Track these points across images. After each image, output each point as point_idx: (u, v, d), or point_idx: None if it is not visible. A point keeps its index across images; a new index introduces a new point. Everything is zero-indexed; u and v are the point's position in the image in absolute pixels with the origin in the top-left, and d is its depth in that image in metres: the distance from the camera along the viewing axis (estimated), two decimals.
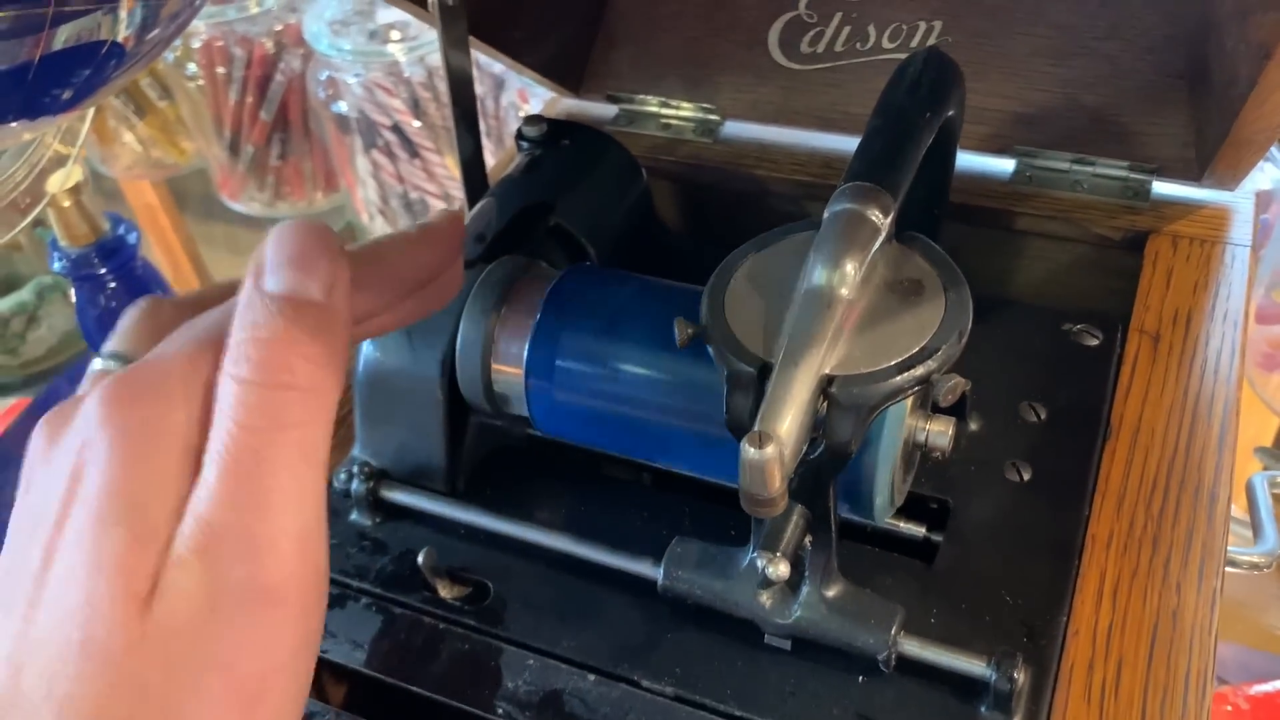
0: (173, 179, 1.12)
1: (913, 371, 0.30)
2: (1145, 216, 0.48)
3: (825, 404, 0.30)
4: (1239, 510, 0.52)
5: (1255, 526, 0.44)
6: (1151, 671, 0.34)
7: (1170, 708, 0.33)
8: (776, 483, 0.28)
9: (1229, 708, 0.74)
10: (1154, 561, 0.37)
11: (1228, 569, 0.42)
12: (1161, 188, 0.49)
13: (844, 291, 0.32)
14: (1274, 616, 0.77)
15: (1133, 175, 0.49)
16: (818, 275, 0.32)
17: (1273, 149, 0.66)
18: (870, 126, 0.36)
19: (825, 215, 0.33)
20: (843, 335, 0.31)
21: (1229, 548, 0.42)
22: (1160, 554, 0.37)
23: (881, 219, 0.33)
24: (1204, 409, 0.41)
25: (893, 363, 0.30)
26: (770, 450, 0.28)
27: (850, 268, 0.32)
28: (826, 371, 0.30)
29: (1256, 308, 0.71)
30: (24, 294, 0.88)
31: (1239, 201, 0.48)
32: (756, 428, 0.28)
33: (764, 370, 0.31)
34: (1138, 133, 0.48)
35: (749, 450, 0.28)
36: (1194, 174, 0.47)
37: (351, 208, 0.95)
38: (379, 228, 0.93)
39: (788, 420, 0.29)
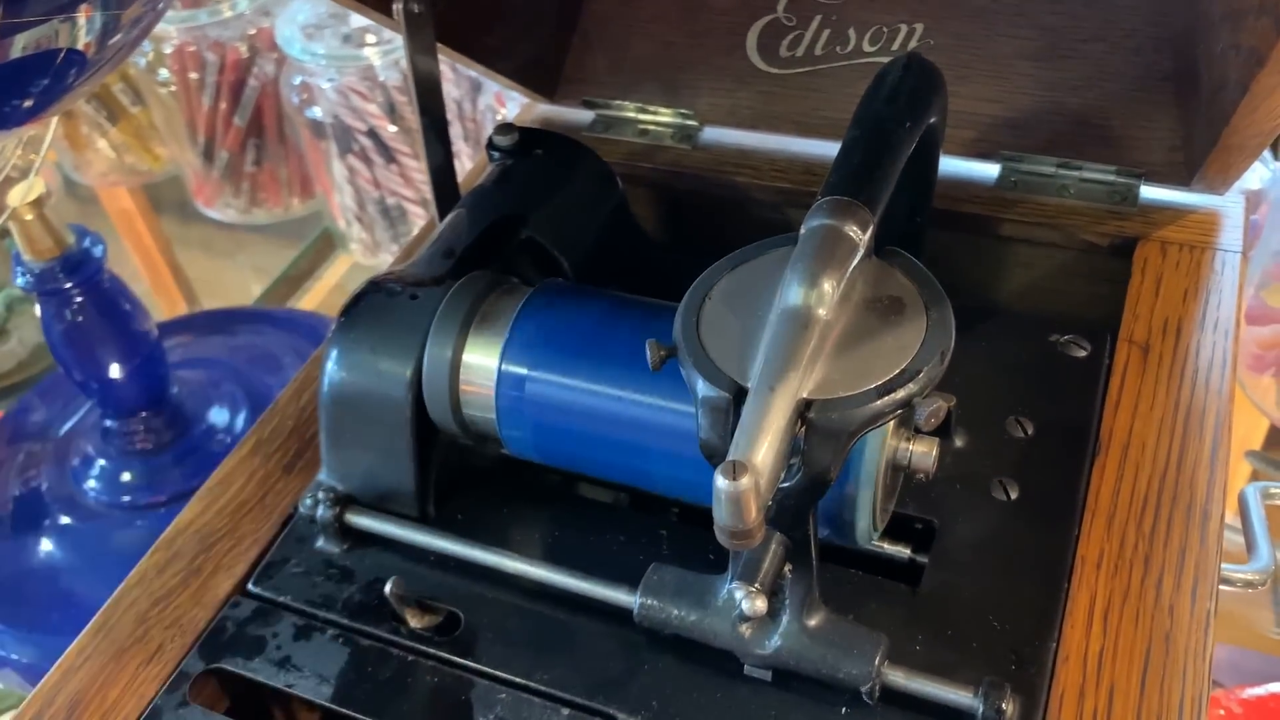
0: (148, 185, 1.10)
1: (894, 395, 0.29)
2: (1133, 222, 0.47)
3: (803, 429, 0.29)
4: (1230, 515, 0.51)
5: (1249, 542, 0.43)
6: (1145, 698, 0.33)
7: None
8: (753, 514, 0.27)
9: (1221, 712, 0.73)
10: (1145, 582, 0.35)
11: (1222, 587, 0.41)
12: (1150, 192, 0.48)
13: (821, 311, 0.30)
14: (1266, 617, 0.76)
15: (1120, 180, 0.48)
16: (794, 294, 0.30)
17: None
18: (848, 137, 0.35)
19: (801, 231, 0.32)
20: (820, 357, 0.30)
21: (1221, 566, 0.41)
22: (1152, 574, 0.36)
23: (860, 235, 0.32)
24: (1195, 422, 0.40)
25: (873, 386, 0.29)
26: (745, 481, 0.26)
27: (828, 286, 0.31)
28: (804, 395, 0.29)
29: (1246, 309, 0.70)
30: None
31: (1228, 206, 0.47)
32: (731, 457, 0.27)
33: (739, 394, 0.30)
34: (1125, 136, 0.47)
35: (723, 481, 0.26)
36: (1183, 178, 0.46)
37: (328, 214, 0.94)
38: (355, 234, 0.92)
39: (764, 448, 0.28)
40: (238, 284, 1.10)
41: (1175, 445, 0.39)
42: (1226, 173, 0.43)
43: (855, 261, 0.31)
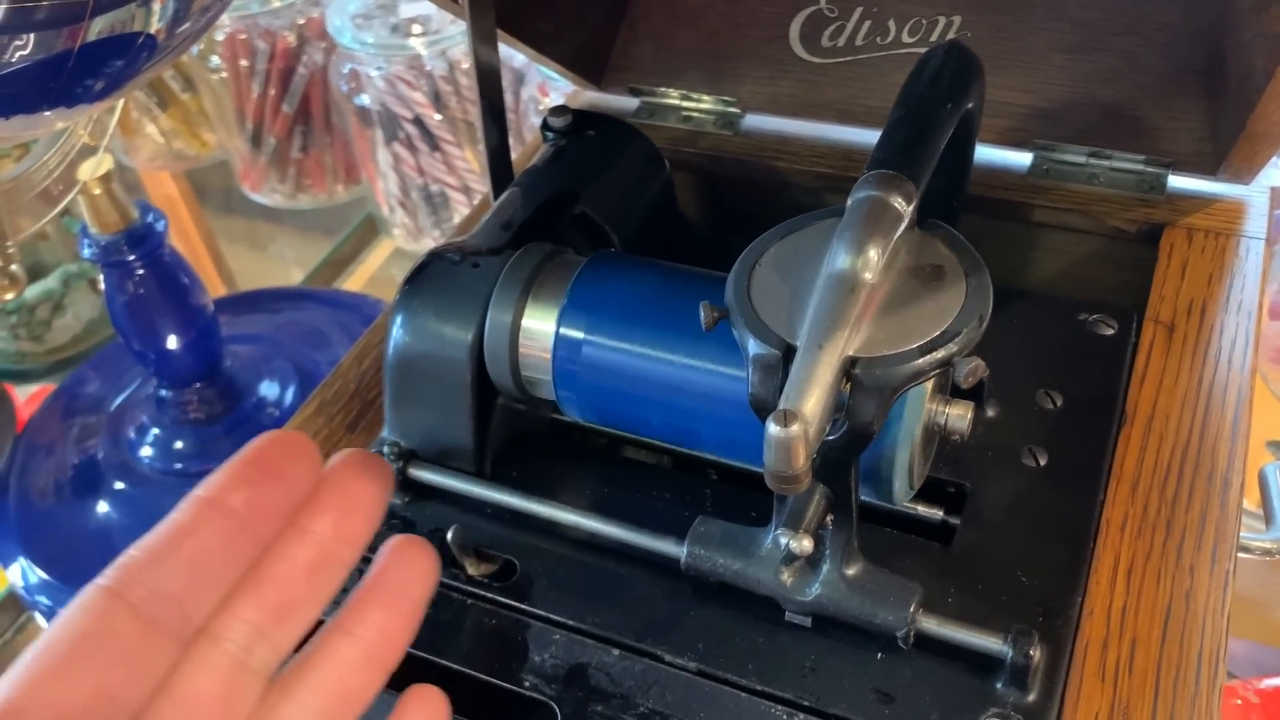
0: (193, 171, 1.13)
1: (934, 354, 0.31)
2: (1160, 209, 0.49)
3: (848, 385, 0.31)
4: (1251, 505, 0.53)
5: (1268, 514, 0.45)
6: (1165, 650, 0.35)
7: (1183, 685, 0.34)
8: (801, 460, 0.29)
9: (1238, 701, 0.75)
10: (1167, 544, 0.37)
11: (1240, 555, 0.43)
12: (1177, 181, 0.50)
13: (867, 276, 0.32)
14: None
15: (1148, 169, 0.50)
16: (841, 259, 0.32)
17: None
18: (893, 116, 0.37)
19: (849, 201, 0.34)
20: (865, 319, 0.32)
21: (1241, 534, 0.43)
22: (1174, 537, 0.37)
23: (904, 205, 0.34)
24: (1218, 397, 0.41)
25: (914, 345, 0.31)
26: (795, 428, 0.29)
27: (874, 252, 0.33)
28: (850, 353, 0.31)
29: (1270, 303, 0.71)
30: (50, 282, 0.90)
31: (1254, 195, 0.49)
32: (781, 406, 0.29)
33: (788, 352, 0.32)
34: (1154, 127, 0.49)
35: (774, 428, 0.29)
36: (1209, 168, 0.48)
37: (372, 200, 0.96)
38: (399, 219, 0.94)
39: (812, 400, 0.30)
40: (279, 269, 1.13)
41: (1198, 418, 0.41)
42: (1252, 161, 0.45)
43: (899, 231, 0.33)
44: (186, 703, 0.26)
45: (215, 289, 1.12)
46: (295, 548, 0.29)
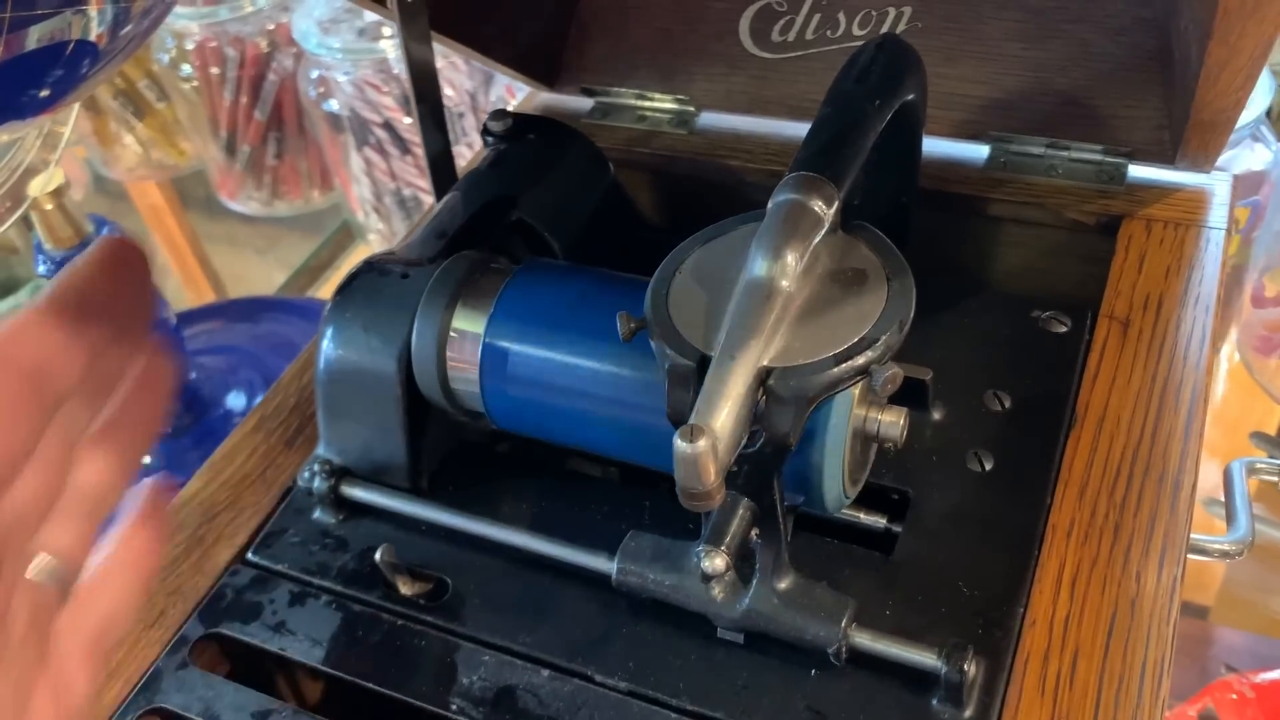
0: (176, 179, 1.13)
1: (852, 362, 0.30)
2: (1120, 200, 0.48)
3: (764, 396, 0.30)
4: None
5: (1229, 513, 0.43)
6: (1108, 662, 0.34)
7: (1125, 698, 0.33)
8: (711, 476, 0.28)
9: (1234, 695, 0.73)
10: (1115, 550, 0.36)
11: (1198, 557, 0.41)
12: (1138, 171, 0.48)
13: (784, 283, 0.31)
14: None
15: (1107, 159, 0.48)
16: (758, 266, 0.31)
17: (1265, 129, 0.65)
18: (818, 116, 0.35)
19: (768, 206, 0.33)
20: (782, 327, 0.31)
21: (1199, 536, 0.41)
22: (1121, 542, 0.36)
23: (825, 209, 0.33)
24: (1171, 395, 0.40)
25: (831, 354, 0.30)
26: (703, 444, 0.28)
27: (791, 258, 0.31)
28: (765, 363, 0.30)
29: (1251, 291, 0.70)
30: (21, 296, 0.89)
31: (1214, 184, 0.47)
32: (691, 421, 0.28)
33: (703, 363, 0.31)
34: (1111, 116, 0.48)
35: (681, 444, 0.28)
36: (1168, 157, 0.47)
37: (347, 205, 0.95)
38: (373, 224, 0.93)
39: (723, 413, 0.29)
40: (262, 274, 1.12)
41: (1150, 417, 0.39)
42: (1206, 149, 0.43)
43: (819, 235, 0.32)
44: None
45: (203, 295, 1.11)
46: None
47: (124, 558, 0.30)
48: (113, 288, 0.28)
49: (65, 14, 0.47)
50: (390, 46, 0.85)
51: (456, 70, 0.84)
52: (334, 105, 0.86)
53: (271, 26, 0.92)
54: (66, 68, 0.50)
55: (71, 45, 0.49)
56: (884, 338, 0.30)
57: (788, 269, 0.31)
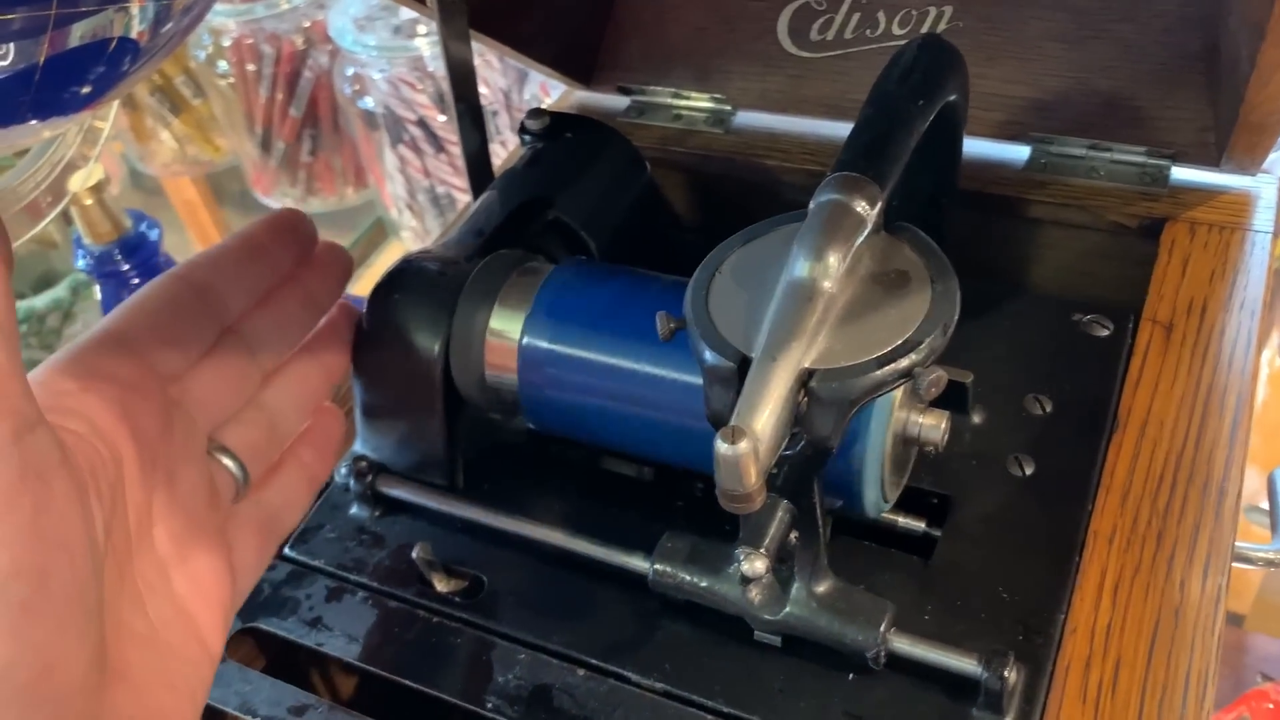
0: (211, 175, 1.14)
1: (895, 365, 0.30)
2: (1162, 203, 0.47)
3: (805, 398, 0.30)
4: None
5: (1273, 522, 0.43)
6: (1151, 671, 0.33)
7: (1168, 708, 0.32)
8: (751, 478, 0.28)
9: (1270, 705, 0.73)
10: (1158, 558, 0.36)
11: (1241, 565, 0.41)
12: (1180, 173, 0.48)
13: (826, 284, 0.31)
14: None
15: (1150, 161, 0.48)
16: (800, 267, 0.31)
17: None
18: (861, 116, 0.35)
19: (810, 206, 0.33)
20: (824, 328, 0.31)
21: (1243, 544, 0.41)
22: (1164, 550, 0.36)
23: (868, 210, 0.32)
24: (1216, 401, 0.40)
25: (874, 356, 0.30)
26: (744, 445, 0.27)
27: (833, 260, 0.31)
28: (806, 365, 0.30)
29: None
30: (59, 290, 0.90)
31: (1260, 187, 0.47)
32: (732, 422, 0.28)
33: (744, 364, 0.30)
34: (1155, 117, 0.47)
35: (722, 445, 0.27)
36: (1213, 159, 0.46)
37: (380, 203, 0.96)
38: (406, 222, 0.94)
39: (764, 415, 0.29)
40: None
41: (1194, 423, 0.39)
42: (1253, 152, 0.43)
43: (862, 236, 0.32)
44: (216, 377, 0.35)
45: None
46: (290, 291, 0.37)
47: (297, 463, 0.37)
48: (278, 241, 0.37)
49: (108, 11, 0.47)
50: (425, 44, 0.85)
51: (491, 69, 0.84)
52: (369, 102, 0.87)
53: (307, 24, 0.92)
54: (108, 65, 0.51)
55: (114, 42, 0.50)
56: (928, 340, 0.30)
57: (830, 270, 0.31)
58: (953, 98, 0.38)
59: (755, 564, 0.31)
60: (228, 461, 0.34)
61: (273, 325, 0.37)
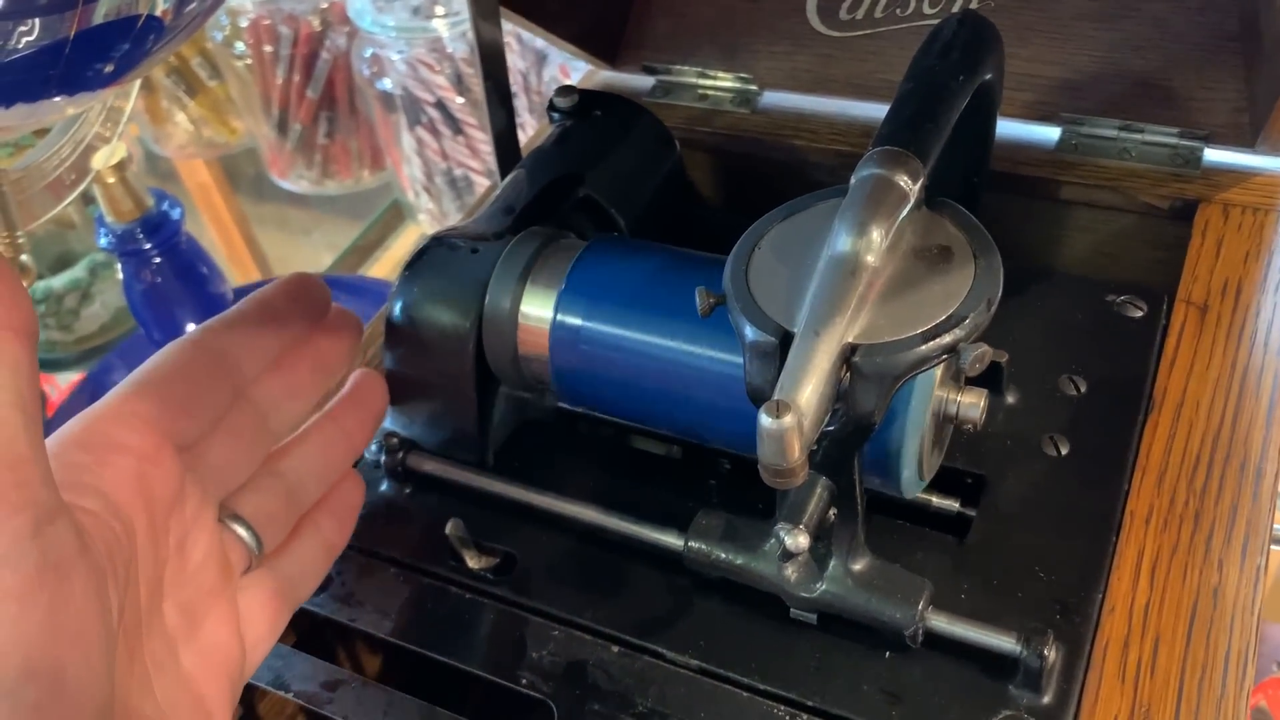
0: (225, 158, 1.13)
1: (939, 340, 0.30)
2: (1195, 185, 0.47)
3: (848, 374, 0.30)
4: None
5: None
6: (1190, 650, 0.33)
7: (1209, 687, 0.32)
8: (795, 453, 0.28)
9: None
10: (1195, 538, 0.35)
11: (1276, 548, 0.41)
12: (1213, 155, 0.47)
13: (869, 258, 0.31)
14: None
15: (1183, 142, 0.47)
16: (842, 242, 0.31)
17: None
18: (901, 91, 0.35)
19: (852, 180, 0.32)
20: (867, 303, 0.30)
21: (1277, 526, 0.41)
22: (1202, 530, 0.36)
23: (910, 184, 0.32)
24: (1252, 382, 0.39)
25: (918, 331, 0.30)
26: (788, 419, 0.27)
27: (876, 234, 0.31)
28: (849, 340, 0.30)
29: None
30: (78, 271, 0.90)
31: None
32: (775, 396, 0.28)
33: (785, 339, 0.30)
34: (1188, 98, 0.47)
35: (766, 419, 0.27)
36: (1247, 140, 0.46)
37: (397, 185, 0.96)
38: (423, 204, 0.93)
39: (808, 389, 0.28)
40: (310, 254, 1.13)
41: (1230, 404, 0.39)
42: None
43: (905, 211, 0.32)
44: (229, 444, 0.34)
45: (249, 274, 1.12)
46: (302, 355, 0.37)
47: (315, 531, 0.36)
48: (293, 305, 0.37)
49: None
50: (444, 25, 0.85)
51: (510, 50, 0.84)
52: (387, 84, 0.87)
53: (325, 4, 0.92)
54: (133, 43, 0.51)
55: (141, 20, 0.49)
56: (972, 316, 0.30)
57: (873, 244, 0.31)
58: (989, 76, 0.38)
59: (799, 539, 0.31)
60: (240, 530, 0.33)
61: (284, 390, 0.36)
